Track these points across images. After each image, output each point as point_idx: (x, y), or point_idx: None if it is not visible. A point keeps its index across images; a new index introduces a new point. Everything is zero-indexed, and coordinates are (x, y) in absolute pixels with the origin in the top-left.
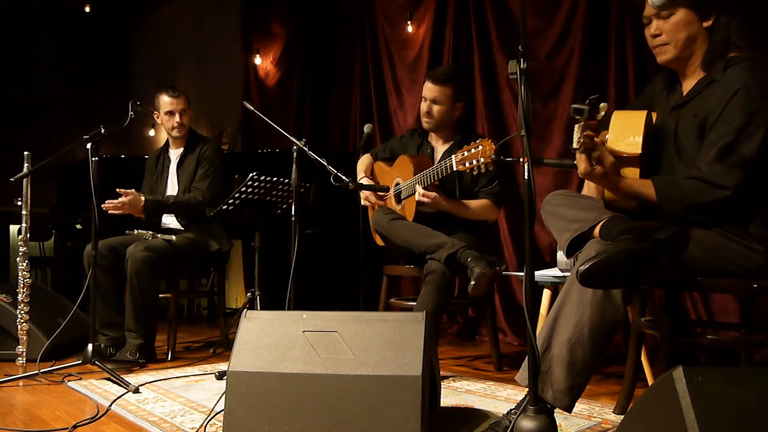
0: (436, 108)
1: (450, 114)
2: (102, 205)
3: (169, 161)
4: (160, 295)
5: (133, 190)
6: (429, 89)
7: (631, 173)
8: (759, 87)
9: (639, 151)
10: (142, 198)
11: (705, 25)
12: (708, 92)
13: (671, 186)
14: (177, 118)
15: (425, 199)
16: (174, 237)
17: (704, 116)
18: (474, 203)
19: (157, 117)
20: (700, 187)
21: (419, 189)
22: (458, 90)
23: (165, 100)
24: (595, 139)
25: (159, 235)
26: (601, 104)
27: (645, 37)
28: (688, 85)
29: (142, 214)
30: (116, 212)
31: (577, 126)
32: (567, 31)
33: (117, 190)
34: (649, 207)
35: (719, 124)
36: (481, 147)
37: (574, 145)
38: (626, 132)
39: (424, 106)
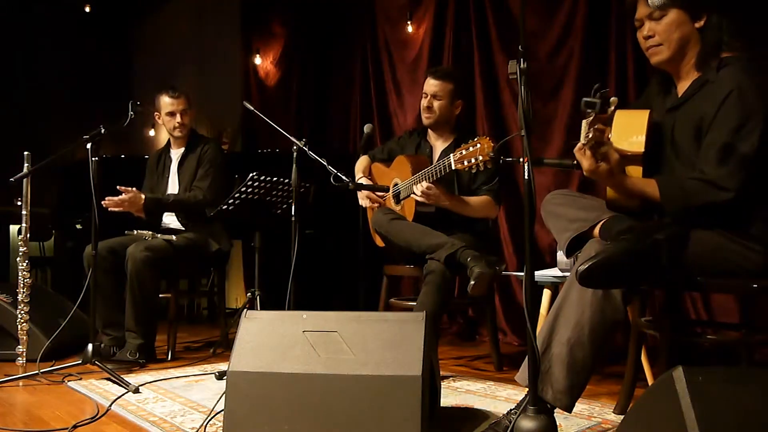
0: (436, 103)
1: (450, 111)
2: (102, 202)
3: (170, 161)
4: (160, 295)
5: (133, 188)
6: (430, 84)
7: (635, 172)
8: (752, 87)
9: (642, 149)
10: (143, 196)
11: (697, 25)
12: (702, 93)
13: (675, 186)
14: (178, 118)
15: (427, 195)
16: (174, 237)
17: (699, 118)
18: (474, 200)
19: (158, 118)
20: (703, 188)
21: (417, 188)
22: (458, 88)
23: (166, 101)
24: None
25: (159, 235)
26: (612, 98)
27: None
28: (682, 87)
29: (143, 212)
30: (116, 209)
31: (585, 121)
32: (567, 31)
33: (118, 187)
34: (651, 206)
35: (715, 125)
36: (479, 145)
37: (582, 141)
38: (629, 131)
39: (424, 102)
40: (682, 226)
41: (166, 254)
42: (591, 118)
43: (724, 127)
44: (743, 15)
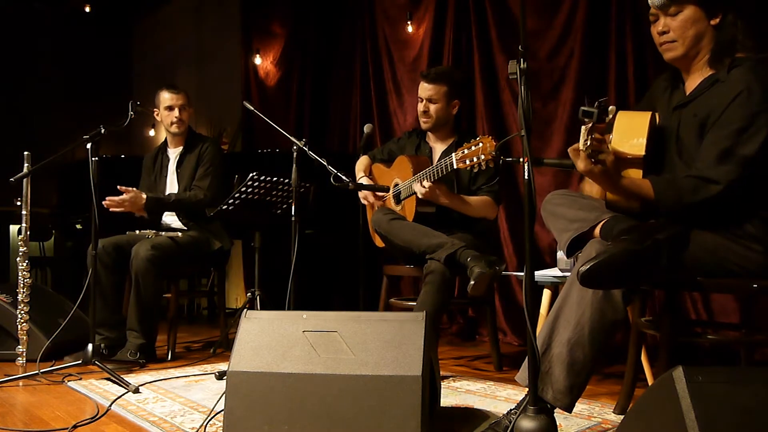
0: (432, 107)
1: (447, 112)
2: (103, 202)
3: (168, 160)
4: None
5: (134, 188)
6: (424, 88)
7: (635, 175)
8: (761, 89)
9: (643, 152)
10: (144, 195)
11: (712, 23)
12: (711, 92)
13: (668, 184)
14: (176, 113)
15: (428, 193)
16: (179, 234)
17: (705, 116)
18: (474, 199)
19: (157, 114)
20: (695, 184)
21: (418, 186)
22: (453, 88)
23: (165, 96)
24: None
25: (162, 233)
26: (610, 107)
27: (645, 36)
28: (691, 84)
29: (144, 212)
30: (117, 209)
31: (584, 128)
32: (567, 31)
33: (119, 187)
34: (650, 207)
35: (719, 125)
36: (481, 144)
37: (581, 147)
38: (630, 133)
39: (420, 107)
40: (682, 226)
41: (171, 252)
42: (590, 126)
43: (727, 127)
44: (758, 15)
